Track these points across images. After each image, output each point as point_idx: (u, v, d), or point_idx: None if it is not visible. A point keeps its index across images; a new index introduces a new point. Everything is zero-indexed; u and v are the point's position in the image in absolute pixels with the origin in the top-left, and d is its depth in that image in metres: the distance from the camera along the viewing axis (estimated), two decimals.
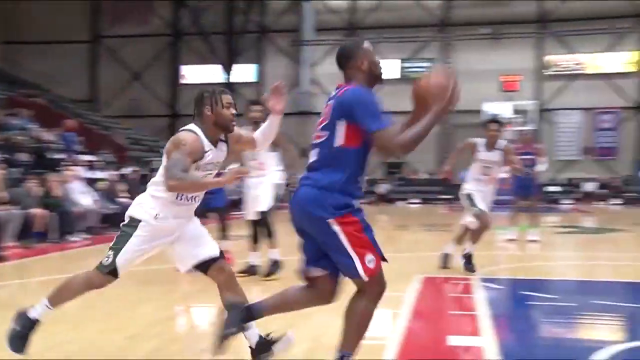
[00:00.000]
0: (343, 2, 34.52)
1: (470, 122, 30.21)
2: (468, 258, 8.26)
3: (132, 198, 6.30)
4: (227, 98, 4.49)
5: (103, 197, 14.13)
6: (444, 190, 30.69)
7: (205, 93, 4.47)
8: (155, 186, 4.39)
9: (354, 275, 3.79)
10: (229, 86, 33.00)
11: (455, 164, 9.53)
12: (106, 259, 4.31)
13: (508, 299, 6.99)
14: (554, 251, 11.80)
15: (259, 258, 7.93)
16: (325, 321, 5.07)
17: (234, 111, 4.53)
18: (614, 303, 6.54)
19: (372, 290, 3.85)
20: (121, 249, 4.34)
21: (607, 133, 31.78)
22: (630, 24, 31.96)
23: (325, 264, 3.95)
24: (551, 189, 29.35)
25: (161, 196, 4.33)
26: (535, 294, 6.79)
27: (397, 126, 3.98)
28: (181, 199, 4.39)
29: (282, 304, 4.18)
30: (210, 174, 4.51)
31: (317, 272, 3.97)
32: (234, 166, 5.38)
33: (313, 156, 4.06)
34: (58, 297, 4.48)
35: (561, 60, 32.93)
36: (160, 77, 36.07)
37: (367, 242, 3.84)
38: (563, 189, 30.22)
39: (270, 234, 7.78)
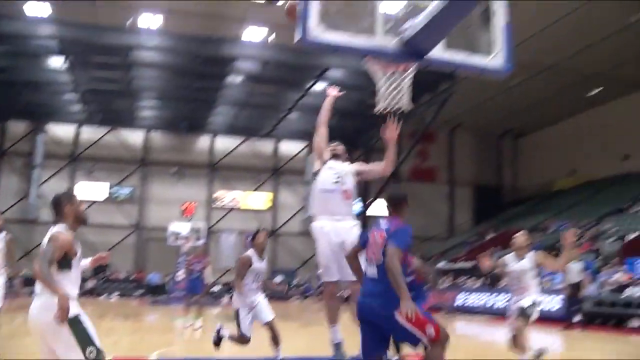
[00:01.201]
0: (69, 136, 33.64)
1: (160, 237, 30.80)
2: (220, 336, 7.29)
3: None
4: (78, 197, 4.30)
5: None
6: (137, 286, 30.64)
7: (62, 195, 4.24)
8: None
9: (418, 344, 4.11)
10: None
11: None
12: (91, 354, 3.87)
13: None
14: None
15: None
16: None
17: (84, 206, 4.38)
18: None
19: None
20: (93, 340, 3.96)
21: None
22: (268, 174, 35.08)
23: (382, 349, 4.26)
24: (215, 288, 30.51)
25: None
26: None
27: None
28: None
29: None
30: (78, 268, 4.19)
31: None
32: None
33: (375, 272, 4.24)
34: None
35: (224, 195, 34.67)
36: None
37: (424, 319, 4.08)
38: (224, 289, 31.24)
39: None
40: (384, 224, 4.41)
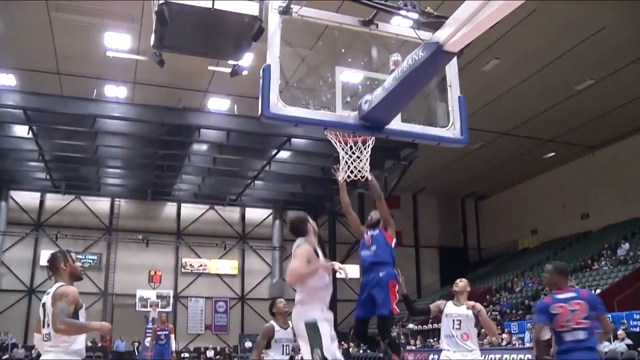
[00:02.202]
0: (33, 203, 32.74)
1: (127, 303, 30.00)
2: None
3: None
4: (73, 254, 4.32)
5: None
6: (103, 355, 29.48)
7: (57, 253, 4.26)
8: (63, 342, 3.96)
9: None
10: None
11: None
12: None
13: None
14: None
15: None
16: None
17: (80, 263, 4.35)
18: None
19: None
20: None
21: (221, 315, 33.12)
22: (234, 242, 34.51)
23: None
24: (184, 354, 29.58)
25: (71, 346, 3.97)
26: None
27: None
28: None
29: None
30: None
31: None
32: None
33: (583, 335, 4.73)
34: None
35: (191, 262, 33.91)
36: None
37: None
38: (192, 355, 30.31)
39: None
40: (569, 294, 4.89)
